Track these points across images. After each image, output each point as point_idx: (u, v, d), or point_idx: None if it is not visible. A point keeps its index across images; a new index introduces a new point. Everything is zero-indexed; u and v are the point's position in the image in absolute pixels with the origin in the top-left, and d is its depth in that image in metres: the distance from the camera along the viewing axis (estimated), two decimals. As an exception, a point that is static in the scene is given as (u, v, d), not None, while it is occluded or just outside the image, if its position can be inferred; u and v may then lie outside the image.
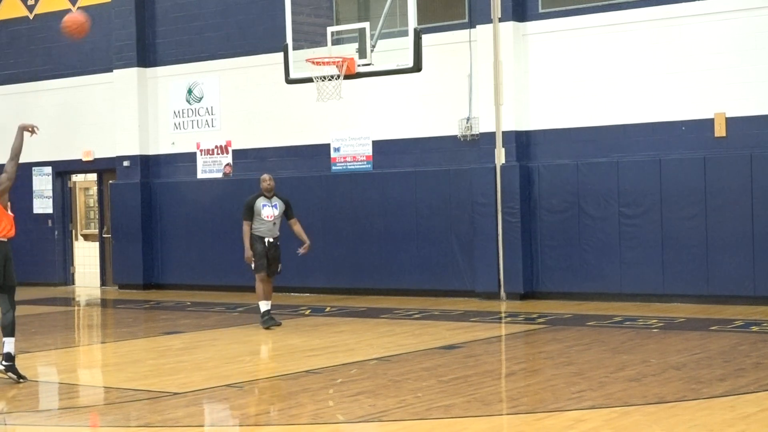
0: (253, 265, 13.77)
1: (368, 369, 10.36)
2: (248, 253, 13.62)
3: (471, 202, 16.81)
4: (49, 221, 21.68)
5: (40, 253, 21.76)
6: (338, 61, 14.09)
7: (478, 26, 16.73)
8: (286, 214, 13.91)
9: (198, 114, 19.88)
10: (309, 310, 15.89)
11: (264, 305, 13.76)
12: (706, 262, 15.14)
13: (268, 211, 13.70)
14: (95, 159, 21.06)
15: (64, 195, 21.74)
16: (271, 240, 13.73)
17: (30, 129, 10.70)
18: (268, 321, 13.66)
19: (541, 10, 16.49)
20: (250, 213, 13.69)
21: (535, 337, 12.86)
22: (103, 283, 21.04)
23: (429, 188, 17.26)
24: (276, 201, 13.80)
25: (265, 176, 13.93)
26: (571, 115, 16.27)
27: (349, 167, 18.14)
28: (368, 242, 17.83)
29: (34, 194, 21.90)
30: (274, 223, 13.73)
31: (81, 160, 21.23)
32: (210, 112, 19.75)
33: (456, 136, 17.06)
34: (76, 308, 18.54)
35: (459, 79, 17.02)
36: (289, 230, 14.31)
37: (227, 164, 19.51)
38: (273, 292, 14.13)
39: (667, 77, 15.54)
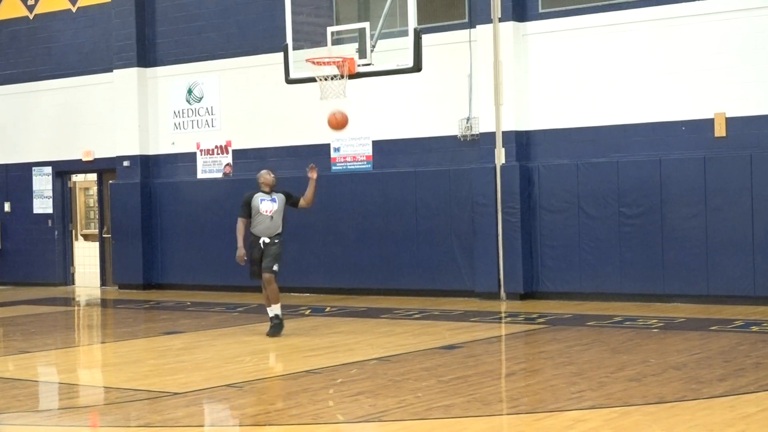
0: (248, 268, 13.16)
1: (368, 369, 10.36)
2: (240, 251, 13.00)
3: (471, 202, 16.82)
4: (49, 221, 21.68)
5: (40, 253, 21.77)
6: (338, 61, 14.08)
7: (478, 26, 16.73)
8: (292, 203, 13.18)
9: (198, 114, 19.88)
10: (309, 310, 15.89)
11: (269, 310, 13.14)
12: (706, 262, 15.14)
13: (267, 205, 12.98)
14: (95, 159, 21.06)
15: (64, 195, 21.74)
16: (267, 241, 12.96)
17: None
18: (270, 330, 13.05)
19: (541, 10, 16.49)
20: (247, 209, 13.06)
21: (535, 337, 12.86)
22: (103, 283, 21.04)
23: (429, 188, 17.26)
24: (275, 195, 13.09)
25: (263, 171, 13.26)
26: (571, 115, 16.27)
27: (349, 167, 18.14)
28: (368, 242, 17.83)
29: (34, 194, 21.91)
30: (272, 218, 12.97)
31: (81, 160, 21.23)
32: (210, 112, 19.75)
33: (456, 136, 17.06)
34: (76, 308, 18.53)
35: (459, 79, 17.02)
36: (304, 212, 14.04)
37: (227, 164, 19.51)
38: (280, 292, 13.35)
39: (667, 77, 15.54)
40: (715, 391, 8.72)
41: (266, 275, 12.90)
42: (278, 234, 13.06)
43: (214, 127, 19.70)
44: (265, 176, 13.13)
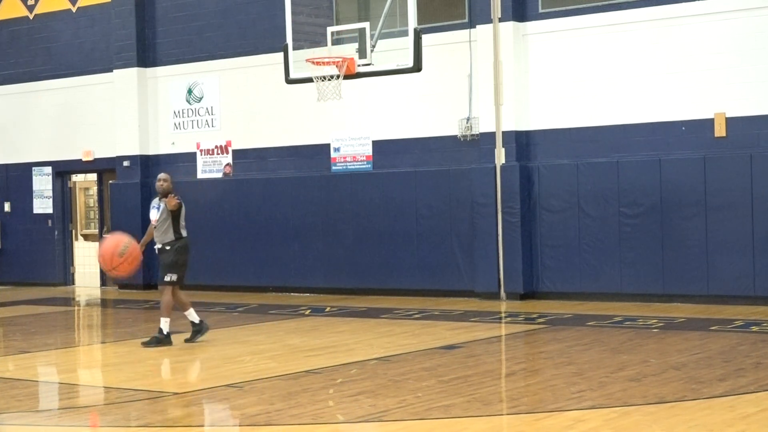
0: None
1: (368, 369, 10.36)
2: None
3: (471, 202, 16.82)
4: (49, 221, 21.68)
5: (40, 253, 21.77)
6: (338, 61, 14.08)
7: (478, 26, 16.73)
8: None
9: (198, 114, 19.88)
10: (309, 310, 15.89)
11: (163, 322, 12.42)
12: (706, 262, 15.14)
13: (153, 213, 12.64)
14: (95, 159, 21.07)
15: (64, 195, 21.74)
16: (160, 246, 12.53)
17: None
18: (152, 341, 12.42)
19: (541, 10, 16.49)
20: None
21: (535, 337, 12.86)
22: (103, 283, 21.04)
23: (429, 188, 17.26)
24: (162, 203, 12.50)
25: (159, 175, 12.81)
26: (571, 115, 16.27)
27: (349, 167, 18.14)
28: (368, 242, 17.83)
29: (34, 194, 21.91)
30: (155, 227, 12.58)
31: (81, 160, 21.23)
32: (210, 112, 19.75)
33: (456, 136, 17.06)
34: (76, 308, 18.53)
35: (459, 79, 17.02)
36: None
37: (227, 164, 19.51)
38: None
39: (667, 77, 15.54)
40: (715, 391, 8.73)
41: (160, 286, 12.61)
42: (170, 242, 12.50)
43: (214, 127, 19.70)
44: (157, 183, 12.71)
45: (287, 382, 9.77)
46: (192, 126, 19.95)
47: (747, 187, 14.88)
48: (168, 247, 12.50)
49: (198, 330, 12.68)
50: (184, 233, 12.59)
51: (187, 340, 12.58)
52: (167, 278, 12.49)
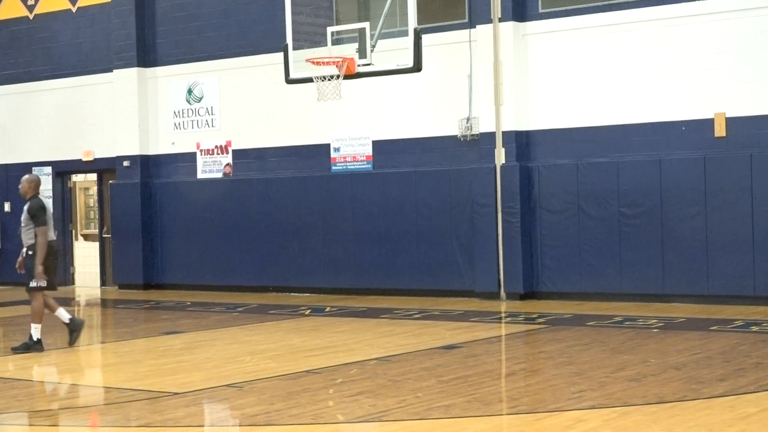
0: None
1: (368, 369, 10.36)
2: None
3: (471, 202, 16.82)
4: (49, 221, 21.65)
5: (40, 253, 21.72)
6: (338, 61, 14.09)
7: (478, 26, 16.73)
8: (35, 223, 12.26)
9: (198, 114, 19.88)
10: (309, 310, 15.89)
11: (33, 329, 12.22)
12: (706, 262, 15.14)
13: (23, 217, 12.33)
14: (95, 159, 21.06)
15: (64, 195, 21.73)
16: (24, 249, 12.49)
17: None
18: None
19: (541, 10, 16.49)
20: None
21: (535, 337, 12.86)
22: (103, 283, 21.03)
23: (429, 188, 17.26)
24: (27, 206, 12.37)
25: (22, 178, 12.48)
26: (571, 115, 16.27)
27: (349, 167, 18.14)
28: (368, 242, 17.83)
29: (34, 194, 21.87)
30: (22, 232, 12.54)
31: (81, 160, 21.23)
32: (210, 112, 19.75)
33: (456, 136, 17.06)
34: (76, 308, 18.52)
35: (459, 79, 17.02)
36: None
37: (227, 164, 19.51)
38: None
39: (667, 77, 15.54)
40: (715, 391, 8.73)
41: (29, 292, 12.39)
42: (30, 246, 12.38)
43: (214, 127, 19.70)
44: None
45: (287, 382, 9.77)
46: (192, 126, 19.96)
47: (747, 187, 14.88)
48: (30, 252, 12.29)
49: (73, 329, 12.38)
50: (49, 236, 12.37)
51: (70, 344, 12.39)
52: (33, 284, 12.26)
